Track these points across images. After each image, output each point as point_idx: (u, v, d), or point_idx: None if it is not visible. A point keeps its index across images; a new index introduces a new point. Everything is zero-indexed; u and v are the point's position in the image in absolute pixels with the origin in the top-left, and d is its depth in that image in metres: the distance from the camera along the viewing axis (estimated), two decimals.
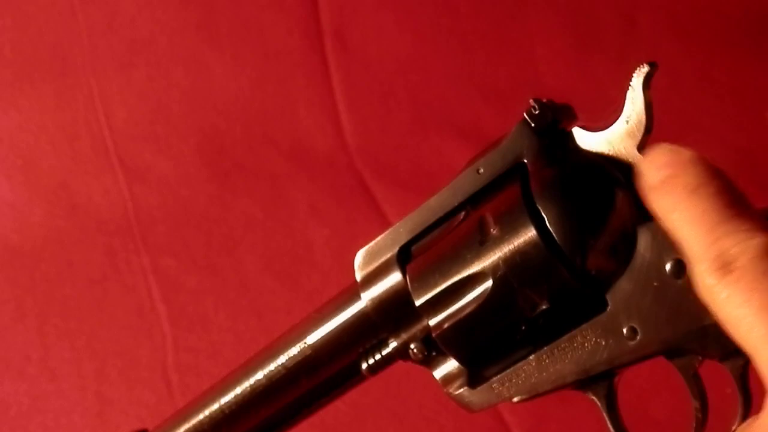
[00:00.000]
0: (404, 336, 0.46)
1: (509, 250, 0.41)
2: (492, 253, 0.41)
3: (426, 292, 0.44)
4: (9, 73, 1.21)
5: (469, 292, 0.42)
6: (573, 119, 0.44)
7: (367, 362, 0.48)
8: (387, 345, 0.47)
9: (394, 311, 0.46)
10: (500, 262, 0.41)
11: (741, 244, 0.34)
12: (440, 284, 0.43)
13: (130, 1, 1.23)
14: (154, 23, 1.24)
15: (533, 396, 0.43)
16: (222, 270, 1.10)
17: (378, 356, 0.48)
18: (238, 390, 0.52)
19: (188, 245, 1.13)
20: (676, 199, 0.37)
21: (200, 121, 1.24)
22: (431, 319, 0.43)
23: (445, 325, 0.43)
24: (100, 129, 1.22)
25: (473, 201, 0.44)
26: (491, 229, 0.42)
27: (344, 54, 1.27)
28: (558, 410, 0.87)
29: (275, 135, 1.25)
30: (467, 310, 0.42)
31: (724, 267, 0.34)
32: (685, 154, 0.37)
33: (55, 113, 1.22)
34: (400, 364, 0.48)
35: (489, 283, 0.41)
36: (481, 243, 0.42)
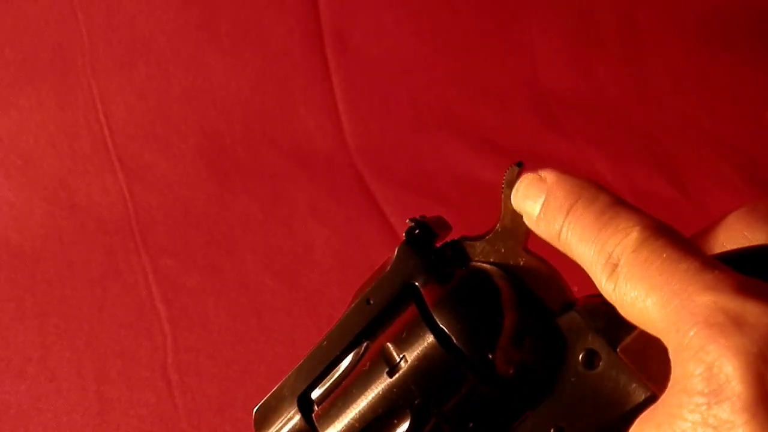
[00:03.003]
0: None
1: (420, 373, 0.39)
2: (403, 382, 0.40)
3: None
4: (9, 73, 1.21)
5: (388, 428, 0.40)
6: (448, 230, 0.45)
7: None
8: None
9: None
10: (414, 388, 0.39)
11: (620, 244, 0.35)
12: (356, 428, 0.40)
13: (130, 1, 1.23)
14: (154, 23, 1.24)
15: None
16: (222, 270, 1.10)
17: None
18: None
19: (188, 245, 1.13)
20: (557, 223, 0.38)
21: (200, 121, 1.24)
22: None
23: None
24: (100, 129, 1.22)
25: (368, 333, 0.43)
26: (396, 357, 0.40)
27: (344, 54, 1.27)
28: None
29: (275, 135, 1.25)
30: None
31: (612, 269, 0.35)
32: (550, 177, 0.39)
33: (55, 113, 1.22)
34: None
35: (407, 415, 0.39)
36: (390, 374, 0.40)
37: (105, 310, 1.07)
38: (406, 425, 0.39)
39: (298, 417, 0.43)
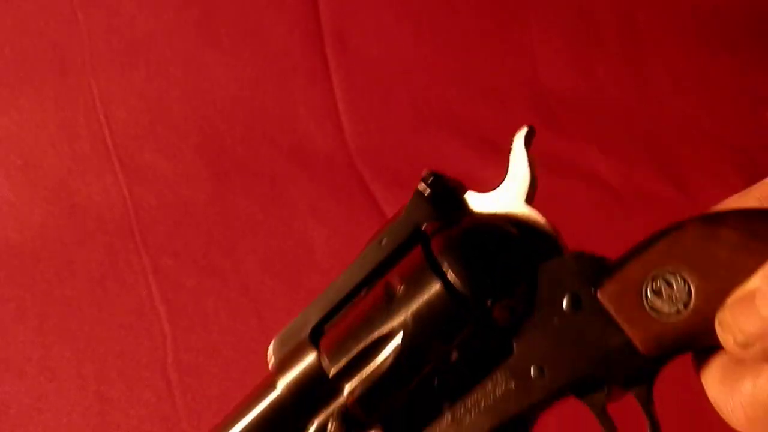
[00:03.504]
0: (322, 416, 0.45)
1: (416, 305, 0.42)
2: (400, 311, 0.43)
3: (338, 361, 0.44)
4: (9, 73, 1.21)
5: (380, 353, 0.43)
6: (463, 190, 0.48)
7: None
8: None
9: (311, 392, 0.45)
10: (408, 317, 0.42)
11: None
12: (352, 350, 0.44)
13: (130, 1, 1.23)
14: (154, 23, 1.24)
15: None
16: (222, 270, 1.10)
17: None
18: None
19: (188, 245, 1.13)
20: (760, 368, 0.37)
21: (200, 121, 1.24)
22: (346, 387, 0.44)
23: (361, 391, 0.43)
24: (100, 129, 1.22)
25: (379, 272, 0.46)
26: (397, 290, 0.43)
27: (344, 54, 1.27)
28: (558, 410, 0.87)
29: (275, 135, 1.25)
30: (380, 371, 0.43)
31: None
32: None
33: (55, 113, 1.22)
34: None
35: (399, 340, 0.42)
36: (389, 304, 0.43)
37: (105, 310, 1.06)
38: (395, 347, 0.42)
39: (308, 344, 0.46)
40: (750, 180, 0.45)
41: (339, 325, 0.46)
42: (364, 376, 0.43)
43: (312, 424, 0.46)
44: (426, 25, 1.29)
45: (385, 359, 0.43)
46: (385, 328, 0.43)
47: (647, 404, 0.41)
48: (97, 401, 0.98)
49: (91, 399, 0.98)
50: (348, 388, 0.44)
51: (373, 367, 0.43)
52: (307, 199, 1.18)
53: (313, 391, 0.45)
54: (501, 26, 1.30)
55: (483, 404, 0.42)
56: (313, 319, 0.47)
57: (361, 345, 0.43)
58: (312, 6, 1.26)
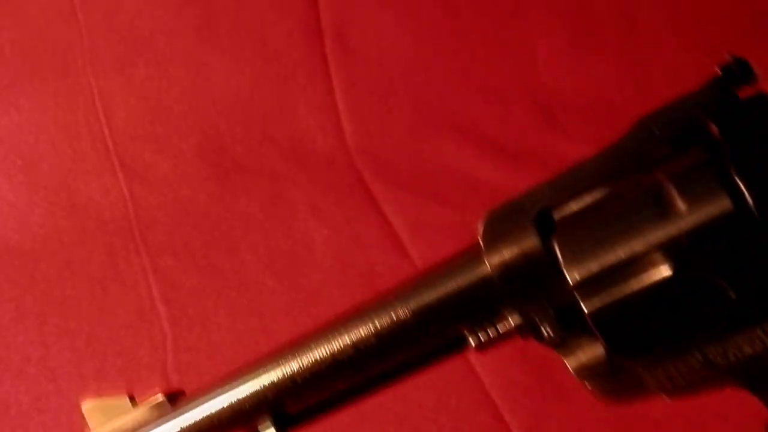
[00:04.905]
0: (532, 313, 0.39)
1: (698, 226, 0.34)
2: (676, 229, 0.34)
3: (584, 268, 0.36)
4: (9, 73, 1.21)
5: (641, 273, 0.35)
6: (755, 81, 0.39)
7: (478, 337, 0.41)
8: (506, 319, 0.40)
9: (528, 284, 0.39)
10: (686, 240, 0.34)
11: None
12: (606, 260, 0.36)
13: (130, 1, 1.23)
14: (154, 23, 1.24)
15: (688, 393, 0.37)
16: (222, 270, 1.10)
17: (492, 332, 0.41)
18: (316, 356, 0.44)
19: (188, 245, 1.13)
20: None
21: (200, 121, 1.24)
22: (586, 299, 0.36)
23: (605, 309, 0.36)
24: (100, 129, 1.22)
25: (644, 166, 0.36)
26: (674, 201, 0.34)
27: (344, 54, 1.27)
28: (558, 410, 0.87)
29: (275, 135, 1.25)
30: (637, 294, 0.35)
31: None
32: None
33: (55, 113, 1.22)
34: None
35: (669, 263, 0.34)
36: (661, 216, 0.34)
37: (105, 310, 1.06)
38: (662, 271, 0.35)
39: (533, 229, 0.38)
40: None
41: (584, 220, 0.37)
42: (613, 295, 0.35)
43: (514, 315, 0.40)
44: (426, 25, 1.29)
45: (646, 284, 0.35)
46: (652, 245, 0.34)
47: None
48: None
49: None
50: (587, 302, 0.36)
51: (628, 289, 0.35)
52: (307, 199, 1.18)
53: (531, 284, 0.39)
54: (501, 26, 1.30)
55: (742, 353, 0.35)
56: (543, 201, 0.39)
57: (619, 257, 0.35)
58: (312, 6, 1.27)
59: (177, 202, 1.18)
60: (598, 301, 0.36)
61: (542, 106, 1.27)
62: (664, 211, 0.35)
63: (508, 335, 0.41)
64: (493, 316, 0.41)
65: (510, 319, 0.40)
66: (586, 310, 0.36)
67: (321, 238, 1.12)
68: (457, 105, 1.27)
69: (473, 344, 0.41)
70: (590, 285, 0.36)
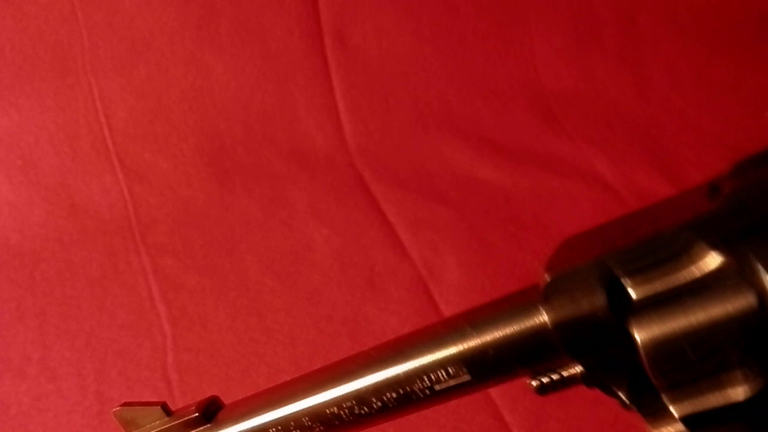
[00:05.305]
0: (601, 375, 0.37)
1: None
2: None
3: (675, 375, 0.32)
4: (9, 73, 1.21)
5: (734, 386, 0.32)
6: None
7: (540, 381, 0.40)
8: (571, 367, 0.38)
9: (589, 341, 0.36)
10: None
11: None
12: (698, 370, 0.32)
13: (130, 1, 1.23)
14: (154, 23, 1.24)
15: None
16: (222, 270, 1.10)
17: (555, 376, 0.39)
18: (366, 399, 0.42)
19: (188, 245, 1.13)
20: None
21: (200, 121, 1.24)
22: (676, 403, 0.33)
23: (698, 415, 0.32)
24: (100, 129, 1.22)
25: (728, 239, 0.32)
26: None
27: (344, 54, 1.27)
28: (558, 410, 0.87)
29: (275, 135, 1.25)
30: (731, 407, 0.32)
31: None
32: None
33: (55, 113, 1.22)
34: None
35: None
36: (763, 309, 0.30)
37: (105, 310, 1.07)
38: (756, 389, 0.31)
39: (603, 300, 0.34)
40: None
41: (649, 279, 0.33)
42: (701, 400, 0.32)
43: (565, 368, 0.38)
44: (426, 25, 1.29)
45: (737, 392, 0.31)
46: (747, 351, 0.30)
47: None
48: (97, 401, 0.97)
49: (91, 399, 0.98)
50: (673, 401, 0.33)
51: (721, 394, 0.32)
52: (307, 199, 1.18)
53: (595, 343, 0.35)
54: (501, 26, 1.30)
55: None
56: (612, 267, 0.34)
57: (707, 366, 0.31)
58: (312, 6, 1.27)
59: (177, 202, 1.18)
60: (690, 407, 0.33)
61: (542, 106, 1.27)
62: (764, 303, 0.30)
63: (572, 382, 0.39)
64: (556, 364, 0.39)
65: (575, 368, 0.38)
66: (677, 415, 0.33)
67: (321, 238, 1.12)
68: (457, 105, 1.27)
69: (534, 387, 0.40)
70: (679, 390, 0.33)
